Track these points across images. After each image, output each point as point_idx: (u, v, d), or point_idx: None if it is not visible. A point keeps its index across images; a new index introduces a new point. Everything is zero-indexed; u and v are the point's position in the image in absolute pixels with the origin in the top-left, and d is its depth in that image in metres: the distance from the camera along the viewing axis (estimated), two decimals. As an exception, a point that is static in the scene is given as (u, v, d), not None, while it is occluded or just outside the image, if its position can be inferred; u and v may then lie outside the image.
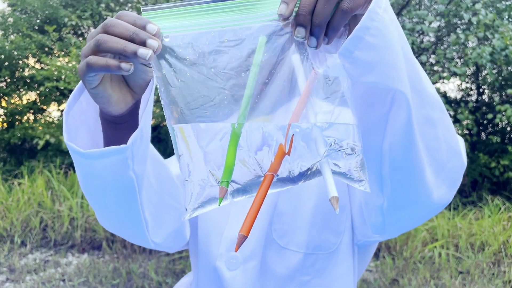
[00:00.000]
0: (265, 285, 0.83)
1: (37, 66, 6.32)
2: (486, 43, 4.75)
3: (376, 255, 3.87)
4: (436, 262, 3.76)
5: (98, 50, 0.52)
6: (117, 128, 0.63)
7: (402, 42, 0.54)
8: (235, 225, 0.83)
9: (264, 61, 0.53)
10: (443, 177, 0.62)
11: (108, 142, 0.65)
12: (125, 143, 0.60)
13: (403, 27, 4.77)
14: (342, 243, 0.83)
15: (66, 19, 5.69)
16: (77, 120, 0.63)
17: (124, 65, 0.52)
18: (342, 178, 0.54)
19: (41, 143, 5.26)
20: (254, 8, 0.53)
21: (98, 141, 0.67)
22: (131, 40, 0.51)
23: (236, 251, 0.52)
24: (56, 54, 6.10)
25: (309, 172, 0.53)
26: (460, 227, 4.24)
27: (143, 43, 0.51)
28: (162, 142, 6.15)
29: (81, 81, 0.61)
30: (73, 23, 5.66)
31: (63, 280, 3.32)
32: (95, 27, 6.72)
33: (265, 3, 0.53)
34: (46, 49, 6.15)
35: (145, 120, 0.59)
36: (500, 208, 4.83)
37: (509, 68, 5.49)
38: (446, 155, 0.61)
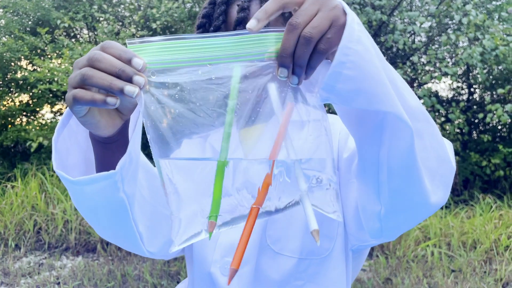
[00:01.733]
0: None
1: (30, 68, 6.29)
2: (476, 43, 4.80)
3: (370, 255, 3.91)
4: (428, 260, 3.80)
5: (84, 84, 0.53)
6: (108, 148, 0.64)
7: (383, 63, 0.56)
8: (229, 231, 0.85)
9: (245, 96, 0.55)
10: (437, 183, 0.63)
11: (99, 160, 0.66)
12: (117, 160, 0.61)
13: (395, 28, 4.81)
14: (335, 248, 0.85)
15: (58, 21, 5.67)
16: (67, 142, 0.65)
17: (110, 99, 0.53)
18: (319, 210, 0.57)
19: (34, 145, 5.23)
20: (239, 45, 0.54)
21: (91, 158, 0.69)
22: (117, 76, 0.52)
23: (228, 284, 0.55)
24: (49, 56, 6.07)
25: (290, 204, 0.57)
26: (452, 226, 4.29)
27: (129, 80, 0.51)
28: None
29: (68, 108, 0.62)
30: (66, 25, 5.64)
31: (58, 283, 3.33)
32: (87, 28, 6.71)
33: (251, 42, 0.54)
34: (39, 51, 6.13)
35: (133, 143, 0.61)
36: (491, 207, 4.88)
37: (500, 67, 5.55)
38: (435, 163, 0.62)
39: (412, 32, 5.24)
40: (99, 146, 0.65)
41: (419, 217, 0.69)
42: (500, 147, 5.44)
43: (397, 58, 5.61)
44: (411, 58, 5.16)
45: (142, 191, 0.72)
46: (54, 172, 5.07)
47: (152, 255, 0.81)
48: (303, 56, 0.52)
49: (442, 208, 4.93)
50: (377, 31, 4.99)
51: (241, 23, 0.78)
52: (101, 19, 6.13)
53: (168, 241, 0.82)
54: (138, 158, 0.65)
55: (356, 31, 0.52)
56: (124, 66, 0.52)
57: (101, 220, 0.70)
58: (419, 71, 5.32)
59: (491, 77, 5.78)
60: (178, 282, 3.31)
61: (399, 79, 0.60)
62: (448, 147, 0.70)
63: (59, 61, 5.65)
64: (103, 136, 0.62)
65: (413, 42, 5.50)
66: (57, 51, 5.86)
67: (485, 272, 3.66)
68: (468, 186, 5.89)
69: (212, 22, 0.84)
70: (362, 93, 0.53)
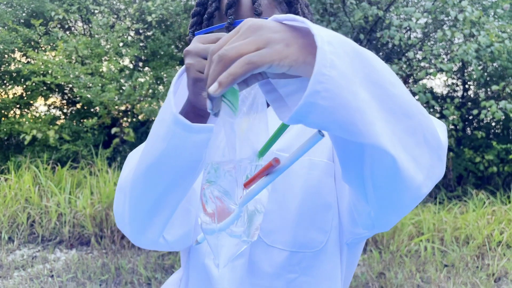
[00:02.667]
0: (253, 283, 0.85)
1: (24, 60, 6.25)
2: (472, 39, 4.81)
3: (363, 249, 3.93)
4: (421, 255, 3.83)
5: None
6: (203, 116, 0.71)
7: (364, 67, 0.52)
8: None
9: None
10: (430, 174, 0.62)
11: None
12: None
13: (391, 24, 4.81)
14: (329, 241, 0.85)
15: (53, 13, 5.63)
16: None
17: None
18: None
19: (28, 138, 5.21)
20: None
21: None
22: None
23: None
24: (43, 48, 6.03)
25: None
26: (446, 221, 4.32)
27: None
28: (151, 137, 6.12)
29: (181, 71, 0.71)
30: (60, 17, 5.60)
31: (52, 276, 3.32)
32: (82, 21, 6.66)
33: None
34: (33, 43, 6.08)
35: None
36: (484, 202, 4.92)
37: (494, 64, 5.57)
38: (427, 156, 0.61)
39: (408, 28, 5.25)
40: (195, 113, 0.70)
41: (410, 208, 0.68)
42: (494, 143, 5.47)
43: (392, 54, 5.62)
44: (406, 54, 5.16)
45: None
46: (48, 165, 5.06)
47: (166, 243, 0.82)
48: (213, 74, 0.49)
49: (435, 203, 4.96)
50: (373, 26, 4.98)
51: (231, 7, 0.82)
52: (96, 11, 6.09)
53: (184, 234, 0.84)
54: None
55: (328, 54, 0.47)
56: None
57: (165, 180, 0.71)
58: (415, 67, 5.33)
59: (485, 74, 5.80)
60: (172, 276, 3.31)
61: (386, 75, 0.55)
62: (441, 129, 0.70)
63: (53, 53, 5.62)
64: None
65: (409, 38, 5.50)
66: (51, 44, 5.82)
67: (477, 267, 3.70)
68: (461, 182, 5.93)
69: (207, 9, 0.87)
70: (336, 124, 0.49)
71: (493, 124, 6.45)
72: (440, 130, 0.68)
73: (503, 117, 4.98)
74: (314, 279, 0.86)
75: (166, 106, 0.68)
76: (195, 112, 0.70)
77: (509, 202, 5.04)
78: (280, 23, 0.52)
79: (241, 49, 0.49)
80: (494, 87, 4.96)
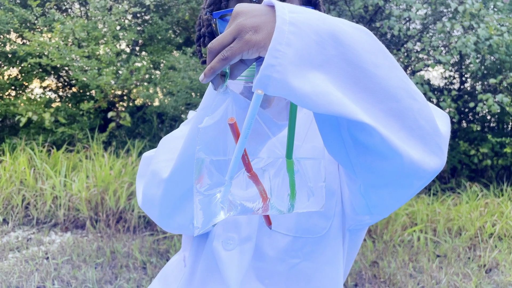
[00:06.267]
0: (258, 267, 0.86)
1: (19, 41, 6.17)
2: (471, 32, 4.81)
3: (357, 238, 3.96)
4: (414, 245, 3.87)
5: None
6: None
7: (338, 52, 0.55)
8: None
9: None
10: (426, 159, 0.60)
11: None
12: None
13: (391, 14, 4.79)
14: (332, 227, 0.86)
15: (49, -6, 5.56)
16: None
17: None
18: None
19: (23, 120, 5.18)
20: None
21: None
22: None
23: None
24: (39, 30, 5.96)
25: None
26: (439, 212, 4.36)
27: None
28: (147, 122, 6.11)
29: None
30: (57, -2, 5.53)
31: (47, 258, 3.33)
32: (79, 3, 6.58)
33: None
34: (29, 24, 6.01)
35: None
36: (477, 195, 4.97)
37: (492, 58, 5.57)
38: (421, 141, 0.58)
39: (407, 18, 5.23)
40: None
41: (404, 187, 0.66)
42: (489, 136, 5.50)
43: (391, 44, 5.60)
44: (405, 45, 5.15)
45: None
46: (43, 147, 5.03)
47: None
48: (207, 65, 0.58)
49: (429, 195, 5.00)
50: (372, 16, 4.97)
51: None
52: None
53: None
54: None
55: (285, 33, 0.52)
56: None
57: None
58: (413, 59, 5.32)
59: (483, 66, 5.81)
60: (167, 260, 3.33)
61: (369, 57, 0.57)
62: (443, 119, 0.70)
63: (50, 35, 5.55)
64: None
65: (408, 29, 5.48)
66: (48, 25, 5.75)
67: (469, 258, 3.74)
68: (455, 174, 5.97)
69: None
70: (294, 96, 0.53)
71: (489, 117, 6.48)
72: (441, 120, 0.68)
73: (498, 111, 5.00)
74: (317, 265, 0.87)
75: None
76: None
77: (502, 195, 5.09)
78: (264, 6, 0.58)
79: (222, 41, 0.56)
80: (492, 81, 4.97)
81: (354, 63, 0.56)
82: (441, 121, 0.68)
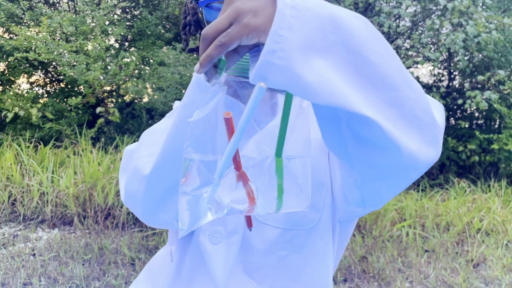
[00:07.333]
0: (246, 260, 0.85)
1: (6, 36, 6.08)
2: (459, 29, 4.84)
3: (346, 234, 3.98)
4: (403, 240, 3.89)
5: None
6: None
7: (339, 38, 0.52)
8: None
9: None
10: (423, 149, 0.59)
11: None
12: None
13: (381, 11, 4.80)
14: (322, 219, 0.85)
15: (36, -12, 5.48)
16: None
17: None
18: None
19: (10, 115, 5.11)
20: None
21: None
22: None
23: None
24: (26, 24, 5.88)
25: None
26: (427, 208, 4.39)
27: None
28: (136, 118, 6.07)
29: None
30: (44, -8, 5.46)
31: (33, 255, 3.29)
32: (67, -3, 6.50)
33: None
34: (16, 18, 5.92)
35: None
36: (465, 191, 5.01)
37: (480, 55, 5.62)
38: (419, 131, 0.58)
39: (397, 15, 5.25)
40: None
41: (400, 179, 0.66)
42: (477, 133, 5.55)
43: (381, 41, 5.62)
44: (395, 42, 5.17)
45: None
46: (30, 143, 4.97)
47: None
48: (201, 53, 0.54)
49: (418, 191, 5.04)
50: (363, 13, 4.97)
51: None
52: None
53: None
54: None
55: (287, 17, 0.49)
56: None
57: None
58: (402, 56, 5.35)
59: (471, 64, 5.85)
60: (156, 256, 3.31)
61: (370, 45, 0.55)
62: (438, 109, 0.69)
63: (37, 29, 5.48)
64: None
65: (398, 26, 5.50)
66: (35, 19, 5.68)
67: (457, 253, 3.78)
68: (444, 170, 6.02)
69: None
70: (295, 85, 0.50)
71: (477, 114, 6.54)
72: (436, 110, 0.68)
73: (486, 108, 5.04)
74: (306, 257, 0.86)
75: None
76: None
77: (489, 191, 5.14)
78: None
79: (218, 27, 0.52)
80: (480, 78, 5.01)
81: (354, 50, 0.54)
82: (436, 111, 0.67)
